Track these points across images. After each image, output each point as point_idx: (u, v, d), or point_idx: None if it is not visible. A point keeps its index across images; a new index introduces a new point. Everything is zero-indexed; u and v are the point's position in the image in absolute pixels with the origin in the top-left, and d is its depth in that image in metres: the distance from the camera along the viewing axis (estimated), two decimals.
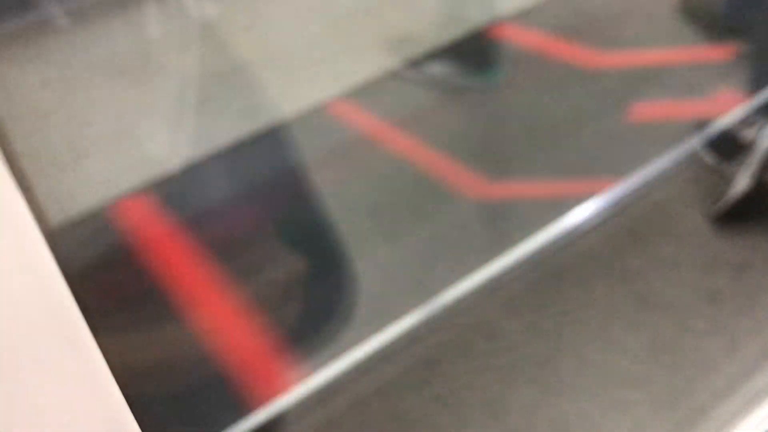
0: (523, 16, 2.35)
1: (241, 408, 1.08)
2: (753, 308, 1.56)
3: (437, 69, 2.15)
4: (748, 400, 1.41)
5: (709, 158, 1.86)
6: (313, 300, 0.61)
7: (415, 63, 2.16)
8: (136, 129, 0.49)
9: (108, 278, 0.51)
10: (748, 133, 1.71)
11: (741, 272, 1.63)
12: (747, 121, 1.76)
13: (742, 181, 1.67)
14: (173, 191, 0.51)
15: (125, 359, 0.51)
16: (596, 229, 1.74)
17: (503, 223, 1.76)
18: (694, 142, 1.91)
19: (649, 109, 2.03)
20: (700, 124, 1.92)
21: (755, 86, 1.85)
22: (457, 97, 2.12)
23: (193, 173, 0.52)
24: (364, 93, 2.16)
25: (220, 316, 0.54)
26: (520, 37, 2.31)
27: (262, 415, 1.27)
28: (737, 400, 1.42)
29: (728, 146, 1.78)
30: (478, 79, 2.13)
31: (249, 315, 0.54)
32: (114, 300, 0.52)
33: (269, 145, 0.72)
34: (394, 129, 2.02)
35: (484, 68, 2.13)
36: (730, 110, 1.95)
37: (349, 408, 1.41)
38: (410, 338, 1.53)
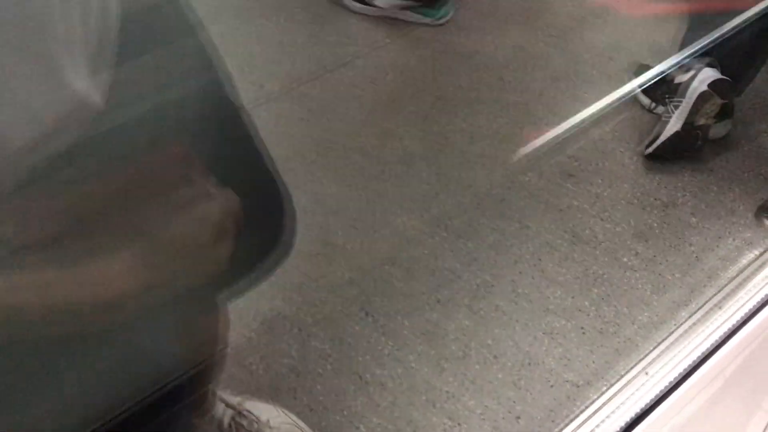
0: None
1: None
2: (679, 245, 1.64)
3: (388, 3, 2.14)
4: (669, 329, 1.50)
5: (645, 101, 1.92)
6: (249, 236, 0.61)
7: None
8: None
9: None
10: (682, 78, 1.77)
11: (669, 210, 1.71)
12: (682, 67, 1.81)
13: (673, 124, 1.73)
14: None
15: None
16: (535, 166, 1.79)
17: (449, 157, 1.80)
18: (631, 85, 1.96)
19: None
20: (638, 68, 1.97)
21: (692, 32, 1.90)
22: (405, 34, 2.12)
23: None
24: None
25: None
26: None
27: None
28: (660, 330, 1.50)
29: (663, 90, 1.84)
30: (428, 15, 2.13)
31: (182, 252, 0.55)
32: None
33: (198, 79, 0.72)
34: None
35: (434, 4, 2.13)
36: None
37: (293, 336, 1.45)
38: (352, 269, 1.57)
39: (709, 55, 1.77)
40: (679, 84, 1.76)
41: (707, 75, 1.72)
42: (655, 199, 1.73)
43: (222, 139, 0.76)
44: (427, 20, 2.14)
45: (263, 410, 1.28)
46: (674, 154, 1.78)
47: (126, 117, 0.59)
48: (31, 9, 0.46)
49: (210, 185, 0.55)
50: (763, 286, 1.35)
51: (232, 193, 0.57)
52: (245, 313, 1.47)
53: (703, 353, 1.27)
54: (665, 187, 1.75)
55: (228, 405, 1.25)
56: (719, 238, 1.66)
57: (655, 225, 1.68)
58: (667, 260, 1.61)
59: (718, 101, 1.70)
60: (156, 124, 0.63)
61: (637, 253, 1.62)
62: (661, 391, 1.27)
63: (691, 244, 1.64)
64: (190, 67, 0.70)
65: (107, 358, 0.65)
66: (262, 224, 0.82)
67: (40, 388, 0.63)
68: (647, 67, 1.97)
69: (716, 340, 1.26)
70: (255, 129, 0.82)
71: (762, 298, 1.32)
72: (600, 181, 1.76)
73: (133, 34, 0.57)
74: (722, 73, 1.73)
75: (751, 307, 1.30)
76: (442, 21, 2.15)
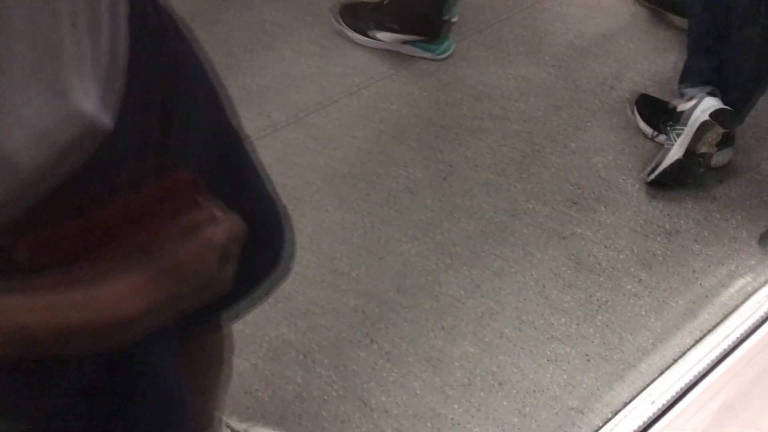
0: None
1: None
2: (682, 272, 1.65)
3: (390, 38, 2.17)
4: (672, 356, 1.50)
5: (647, 129, 1.93)
6: (249, 258, 0.62)
7: (370, 32, 2.18)
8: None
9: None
10: (684, 107, 1.79)
11: (672, 237, 1.72)
12: (684, 96, 1.83)
13: (675, 151, 1.75)
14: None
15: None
16: (538, 194, 1.81)
17: (453, 178, 1.82)
18: (631, 114, 1.98)
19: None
20: (638, 98, 1.99)
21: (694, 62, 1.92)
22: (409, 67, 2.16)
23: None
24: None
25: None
26: None
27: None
28: (664, 356, 1.50)
29: (665, 118, 1.86)
30: (429, 50, 2.17)
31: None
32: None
33: (202, 105, 0.74)
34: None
35: (435, 40, 2.16)
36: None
37: (298, 363, 1.46)
38: (357, 296, 1.58)
39: (711, 84, 1.79)
40: (681, 113, 1.78)
41: (709, 104, 1.74)
42: (658, 227, 1.74)
43: (224, 163, 0.78)
44: (428, 55, 2.17)
45: None
46: (676, 182, 1.79)
47: (134, 140, 0.61)
48: (42, 31, 0.47)
49: (215, 209, 0.57)
50: (756, 310, 1.35)
51: (237, 217, 0.58)
52: (251, 339, 1.48)
53: (699, 373, 1.27)
54: (668, 215, 1.77)
55: (234, 431, 1.25)
56: (722, 265, 1.67)
57: (659, 252, 1.69)
58: (670, 287, 1.62)
59: (720, 130, 1.72)
60: (163, 147, 0.65)
61: (640, 280, 1.63)
62: (658, 409, 1.27)
63: (694, 271, 1.65)
64: (195, 93, 0.72)
65: (112, 380, 0.66)
66: (262, 246, 0.84)
67: (47, 406, 0.64)
68: (647, 97, 1.99)
69: (711, 361, 1.26)
70: (255, 154, 0.84)
71: (755, 321, 1.32)
72: (603, 208, 1.78)
73: (141, 58, 0.59)
74: (723, 102, 1.75)
75: (745, 329, 1.31)
76: (442, 56, 2.18)
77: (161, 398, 0.72)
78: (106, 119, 0.53)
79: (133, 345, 0.54)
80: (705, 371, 1.25)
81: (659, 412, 1.22)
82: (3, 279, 0.48)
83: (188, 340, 0.77)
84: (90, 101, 0.51)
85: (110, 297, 0.51)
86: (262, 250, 0.84)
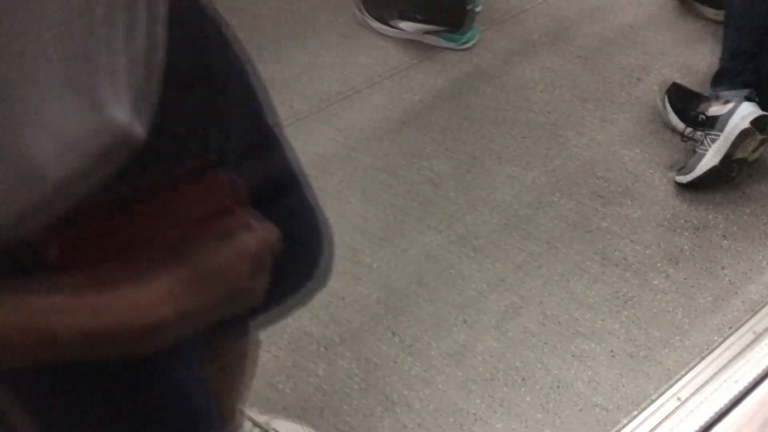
0: None
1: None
2: (711, 268, 1.62)
3: (412, 27, 2.15)
4: (700, 353, 1.47)
5: (680, 125, 1.87)
6: (287, 266, 0.60)
7: (392, 21, 2.16)
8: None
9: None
10: (719, 110, 1.72)
11: (700, 232, 1.69)
12: (720, 98, 1.77)
13: (711, 158, 1.70)
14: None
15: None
16: (563, 187, 1.78)
17: (473, 172, 1.80)
18: (662, 105, 1.94)
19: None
20: (669, 87, 1.94)
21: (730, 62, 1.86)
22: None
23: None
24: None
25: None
26: None
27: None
28: (691, 353, 1.47)
29: (698, 121, 1.79)
30: (452, 40, 2.14)
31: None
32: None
33: (243, 110, 0.72)
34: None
35: (458, 30, 2.14)
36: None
37: (319, 355, 1.45)
38: (379, 288, 1.56)
39: (748, 87, 1.74)
40: (716, 117, 1.72)
41: (748, 111, 1.68)
42: (686, 221, 1.71)
43: (263, 168, 0.76)
44: (451, 45, 2.15)
45: (290, 429, 1.28)
46: (709, 186, 1.74)
47: (171, 147, 0.59)
48: (76, 39, 0.45)
49: (250, 217, 0.55)
50: None
51: (272, 226, 0.56)
52: (272, 331, 1.47)
53: (746, 387, 1.23)
54: (696, 209, 1.73)
55: (255, 424, 1.25)
56: (752, 261, 1.63)
57: (686, 247, 1.65)
58: (698, 283, 1.59)
59: (759, 137, 1.67)
60: (199, 153, 0.63)
61: (667, 276, 1.60)
62: (700, 427, 1.24)
63: (723, 267, 1.62)
64: (236, 98, 0.70)
65: (138, 384, 0.65)
66: (298, 255, 0.82)
67: (71, 413, 0.63)
68: (679, 88, 1.93)
69: (759, 373, 1.22)
70: (297, 159, 0.82)
71: None
72: (630, 202, 1.74)
73: (180, 64, 0.57)
74: (760, 105, 1.70)
75: None
76: (466, 46, 2.15)
77: (184, 410, 0.70)
78: (139, 129, 0.51)
79: (158, 353, 0.52)
80: (750, 386, 1.20)
81: (702, 429, 1.18)
82: (31, 280, 0.46)
83: (214, 343, 0.76)
84: (123, 111, 0.49)
85: (139, 301, 0.50)
86: (297, 258, 0.82)
